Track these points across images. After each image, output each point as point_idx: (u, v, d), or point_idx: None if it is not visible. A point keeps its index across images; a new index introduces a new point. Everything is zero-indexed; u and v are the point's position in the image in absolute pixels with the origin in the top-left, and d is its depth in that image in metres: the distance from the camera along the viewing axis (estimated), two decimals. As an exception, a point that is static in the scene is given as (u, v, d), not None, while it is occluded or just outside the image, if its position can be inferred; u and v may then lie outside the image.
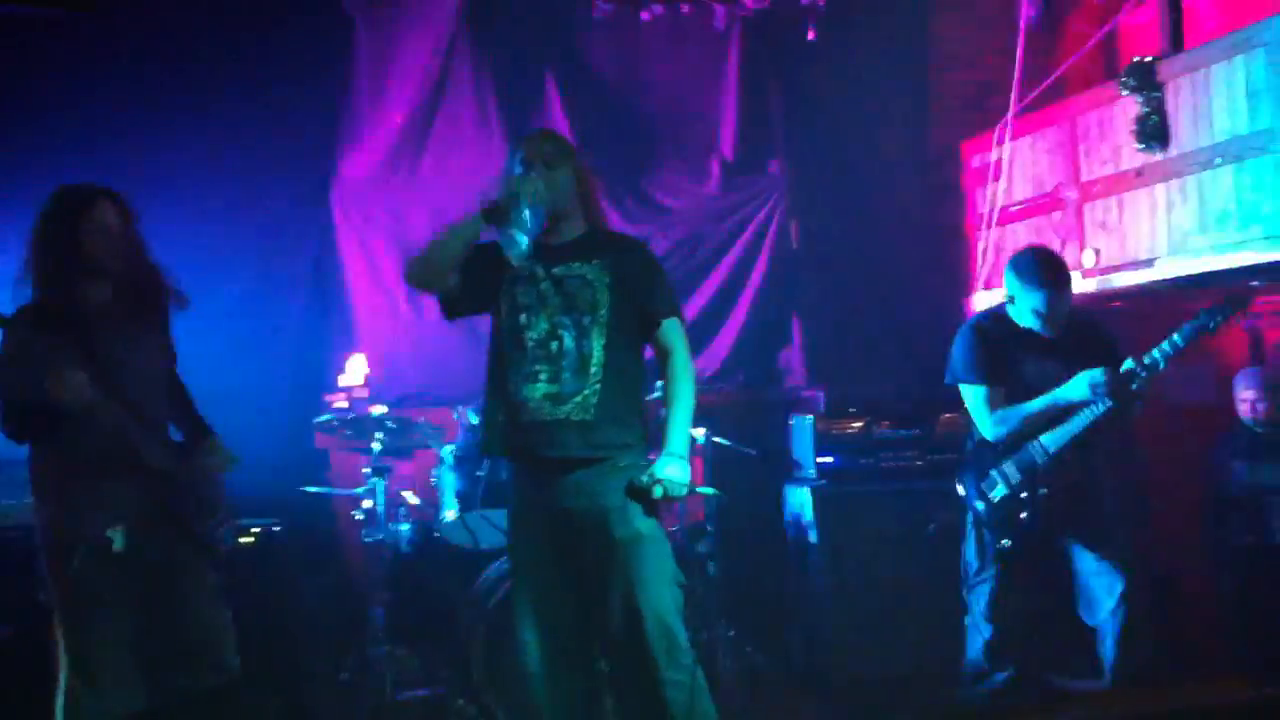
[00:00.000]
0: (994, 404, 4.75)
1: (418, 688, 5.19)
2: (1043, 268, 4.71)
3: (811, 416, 5.90)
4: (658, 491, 3.75)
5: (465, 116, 6.48)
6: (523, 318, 3.85)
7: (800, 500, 5.87)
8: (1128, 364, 4.55)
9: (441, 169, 6.41)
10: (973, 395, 4.80)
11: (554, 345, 3.81)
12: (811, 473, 5.85)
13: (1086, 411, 4.63)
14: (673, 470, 3.78)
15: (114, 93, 5.61)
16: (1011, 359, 4.76)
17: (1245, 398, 5.75)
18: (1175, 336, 4.51)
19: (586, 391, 3.79)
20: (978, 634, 4.80)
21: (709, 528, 5.42)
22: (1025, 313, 4.74)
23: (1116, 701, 4.46)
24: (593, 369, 3.80)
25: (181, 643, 3.86)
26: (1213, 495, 5.76)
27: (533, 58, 6.59)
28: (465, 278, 3.93)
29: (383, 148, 6.39)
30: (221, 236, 5.75)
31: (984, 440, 4.81)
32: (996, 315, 4.87)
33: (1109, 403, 4.58)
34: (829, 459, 5.81)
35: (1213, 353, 6.30)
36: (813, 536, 5.74)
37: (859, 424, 5.86)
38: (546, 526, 3.83)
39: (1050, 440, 4.68)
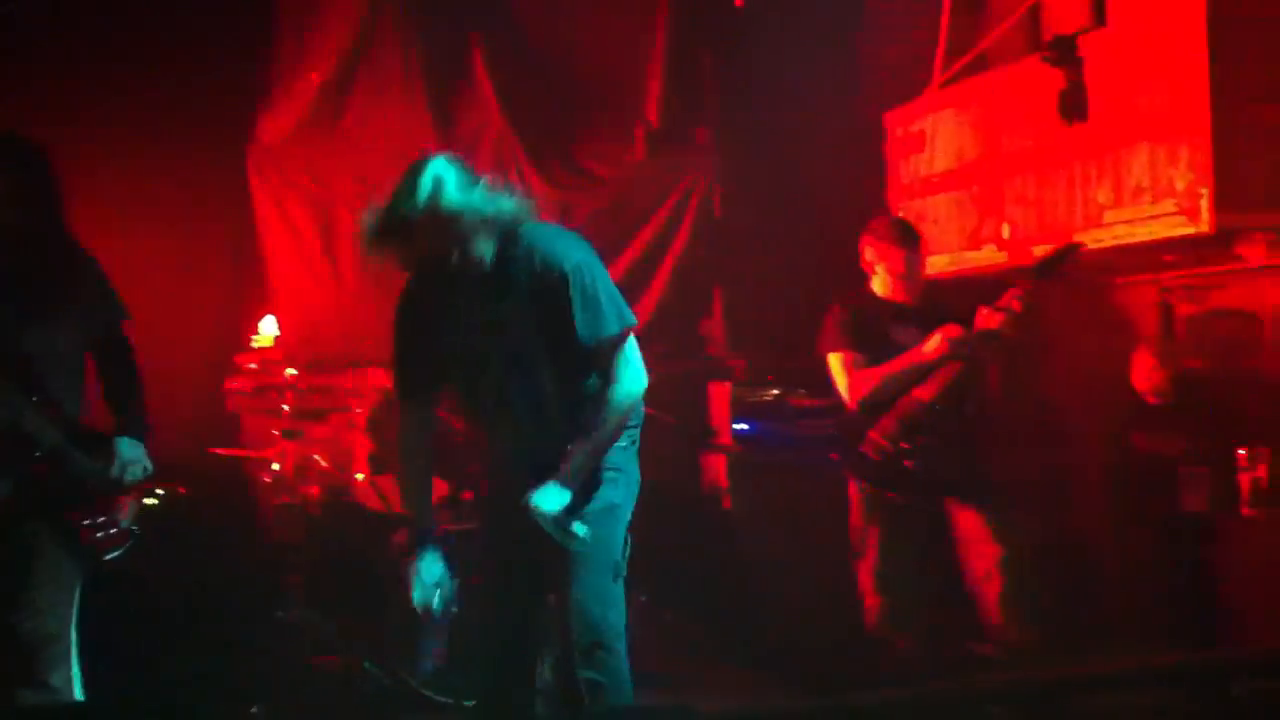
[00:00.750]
0: (854, 365, 4.83)
1: (331, 652, 5.12)
2: (897, 230, 4.92)
3: (729, 384, 5.90)
4: (531, 518, 3.36)
5: (388, 80, 6.40)
6: (469, 369, 3.49)
7: (716, 467, 5.87)
8: (979, 318, 4.64)
9: (362, 132, 6.33)
10: (833, 363, 4.89)
11: (508, 393, 3.46)
12: (728, 440, 5.85)
13: (951, 363, 4.69)
14: (546, 499, 3.37)
15: (32, 53, 5.46)
16: (877, 329, 4.84)
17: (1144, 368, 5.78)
18: (1021, 285, 4.62)
19: (551, 433, 3.45)
20: (868, 601, 4.84)
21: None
22: (884, 278, 4.86)
23: (1015, 668, 4.51)
24: (547, 410, 3.46)
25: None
26: (1121, 466, 5.83)
27: (458, 21, 6.50)
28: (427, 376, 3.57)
29: (301, 111, 6.28)
30: (138, 198, 5.63)
31: (856, 408, 4.85)
32: (859, 291, 4.98)
33: (964, 352, 4.66)
34: (745, 426, 5.82)
35: (1123, 326, 6.37)
36: (729, 503, 5.75)
37: (775, 392, 5.87)
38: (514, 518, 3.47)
39: (925, 394, 4.74)
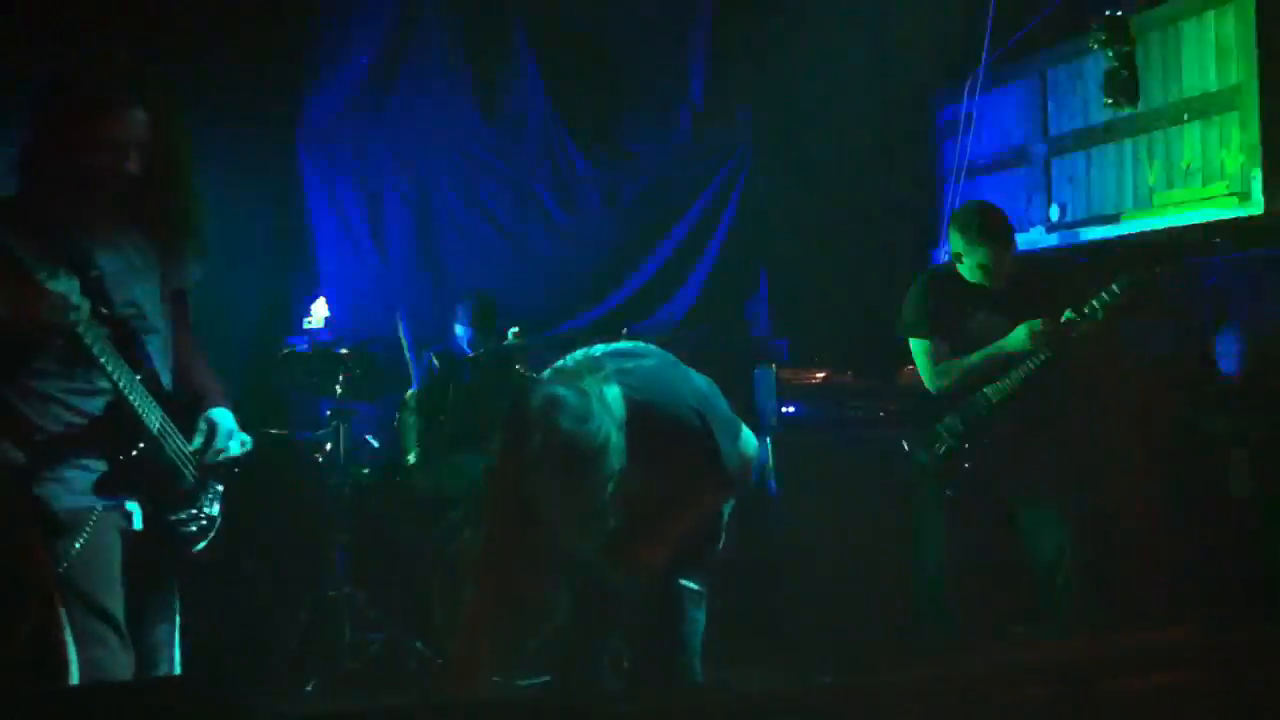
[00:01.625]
0: (938, 357, 4.80)
1: (376, 630, 5.19)
2: (986, 223, 4.74)
3: (775, 366, 5.90)
4: None
5: (432, 60, 6.42)
6: None
7: (762, 450, 5.87)
8: (1067, 314, 4.58)
9: (408, 113, 6.36)
10: (918, 348, 4.86)
11: None
12: (774, 422, 5.86)
13: (1028, 362, 4.66)
14: None
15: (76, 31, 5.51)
16: (960, 314, 4.79)
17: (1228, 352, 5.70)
18: (1114, 285, 4.53)
19: None
20: (925, 584, 4.84)
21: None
22: (972, 268, 4.76)
23: (1065, 648, 4.50)
24: None
25: None
26: (1174, 448, 5.79)
27: (502, 2, 6.51)
28: None
29: (348, 90, 6.32)
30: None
31: (928, 393, 4.85)
32: (946, 271, 4.91)
33: (1049, 352, 4.61)
34: (791, 409, 5.82)
35: (1171, 306, 6.31)
36: (774, 486, 5.76)
37: (822, 374, 5.87)
38: None
39: (993, 391, 4.71)
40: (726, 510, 3.67)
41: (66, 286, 2.94)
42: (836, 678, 4.78)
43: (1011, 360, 4.68)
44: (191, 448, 3.30)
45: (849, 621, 5.46)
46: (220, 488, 3.41)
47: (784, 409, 5.82)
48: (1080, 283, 4.81)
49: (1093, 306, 4.55)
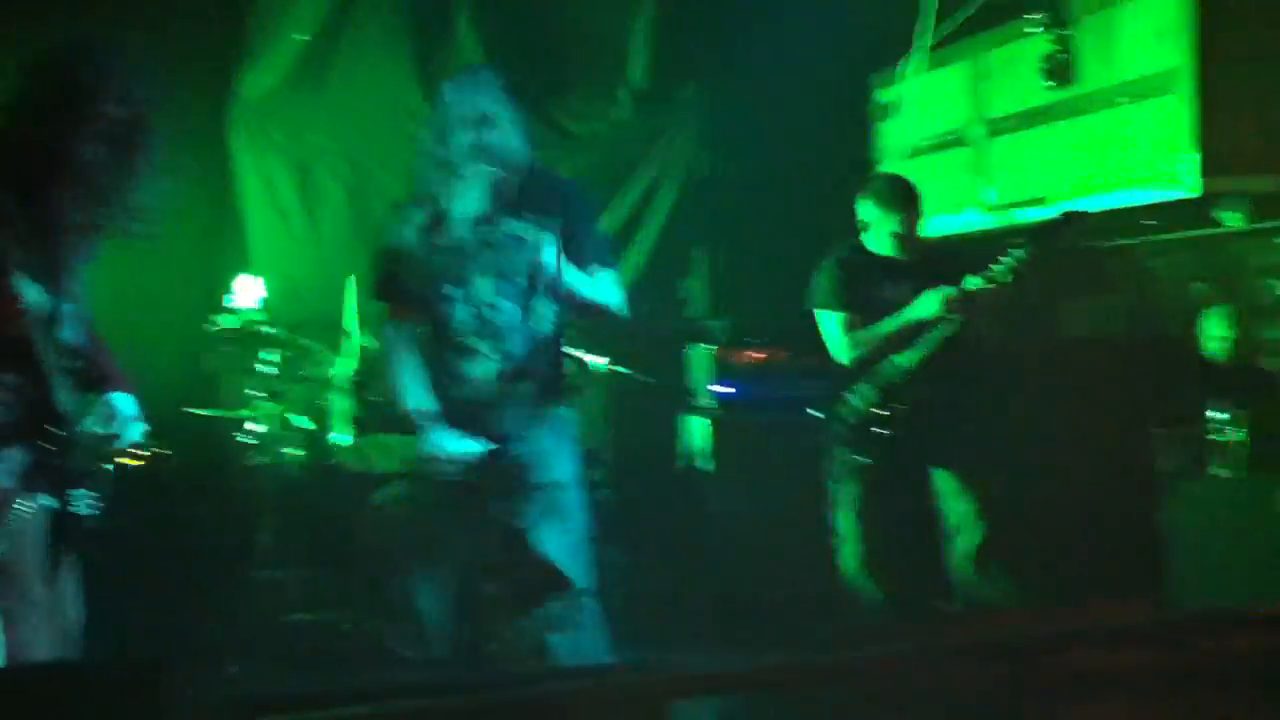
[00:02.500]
0: (846, 328, 4.81)
1: (305, 611, 5.12)
2: (898, 190, 4.83)
3: (712, 346, 5.89)
4: None
5: (371, 38, 6.33)
6: (457, 289, 3.65)
7: (698, 429, 5.86)
8: (974, 281, 4.59)
9: (344, 89, 6.26)
10: (829, 321, 4.87)
11: (495, 315, 3.64)
12: (710, 402, 5.85)
13: (939, 329, 4.67)
14: None
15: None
16: (870, 286, 4.81)
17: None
18: (1018, 249, 4.55)
19: (537, 364, 3.70)
20: (845, 555, 4.85)
21: (604, 456, 5.40)
22: (883, 237, 4.79)
23: (1010, 620, 4.52)
24: (539, 340, 3.68)
25: None
26: (1098, 425, 5.84)
27: (441, -25, 6.43)
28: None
29: (284, 68, 6.21)
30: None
31: (841, 364, 4.86)
32: (854, 246, 4.94)
33: (957, 319, 4.63)
34: (727, 388, 5.81)
35: (1101, 287, 6.36)
36: (709, 465, 5.75)
37: (758, 354, 5.86)
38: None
39: (905, 359, 4.72)
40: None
41: (35, 294, 2.94)
42: (767, 657, 4.78)
43: (921, 328, 4.69)
44: (92, 429, 3.23)
45: (787, 600, 5.47)
46: (110, 468, 3.36)
47: (722, 388, 5.81)
48: (991, 254, 4.83)
49: (997, 270, 4.56)
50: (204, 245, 6.05)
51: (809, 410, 4.97)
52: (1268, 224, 5.42)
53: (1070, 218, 4.66)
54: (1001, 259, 4.55)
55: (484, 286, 3.64)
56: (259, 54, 6.17)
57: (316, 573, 5.21)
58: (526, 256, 3.60)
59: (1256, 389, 5.38)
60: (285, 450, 5.30)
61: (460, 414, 3.66)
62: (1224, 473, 4.96)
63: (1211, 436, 5.00)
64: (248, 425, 5.27)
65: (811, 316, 4.94)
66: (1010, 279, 4.54)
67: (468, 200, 3.61)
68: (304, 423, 5.50)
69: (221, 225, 6.13)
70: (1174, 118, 4.91)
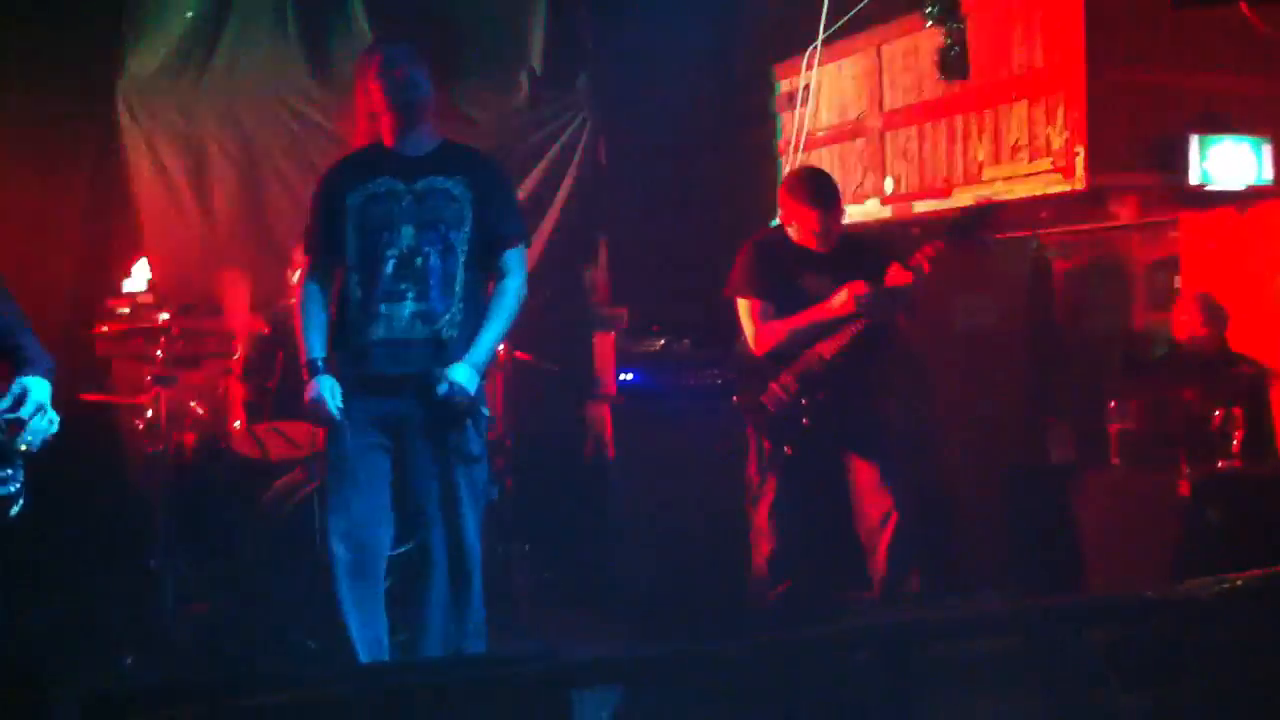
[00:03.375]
0: (763, 318, 4.85)
1: (199, 600, 5.05)
2: (815, 187, 4.85)
3: (613, 334, 5.90)
4: (442, 389, 3.80)
5: (261, 15, 6.20)
6: (385, 235, 3.88)
7: (600, 417, 5.87)
8: (893, 273, 4.66)
9: (232, 70, 6.14)
10: (744, 309, 4.90)
11: (419, 261, 3.86)
12: (611, 390, 5.86)
13: (853, 324, 4.72)
14: (462, 376, 3.84)
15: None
16: (788, 276, 4.85)
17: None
18: (935, 242, 4.64)
19: (454, 310, 3.88)
20: (760, 546, 4.90)
21: (508, 443, 5.39)
22: (801, 232, 4.84)
23: (892, 612, 4.60)
24: (457, 288, 3.89)
25: None
26: (995, 418, 5.96)
27: (336, -40, 6.32)
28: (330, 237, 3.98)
29: (172, 44, 6.08)
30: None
31: (754, 353, 4.89)
32: (775, 235, 4.98)
33: (871, 309, 4.70)
34: (629, 376, 5.83)
35: (996, 279, 6.49)
36: (611, 453, 5.76)
37: (660, 342, 5.89)
38: (379, 439, 3.92)
39: (825, 350, 4.77)
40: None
41: None
42: (670, 644, 4.81)
43: (836, 322, 4.75)
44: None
45: (685, 587, 5.51)
46: (23, 448, 3.40)
47: (622, 376, 5.82)
48: (908, 247, 4.90)
49: (914, 264, 4.64)
50: (93, 228, 5.91)
51: (732, 399, 4.99)
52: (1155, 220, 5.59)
53: (984, 211, 4.75)
54: (918, 252, 4.62)
55: (409, 233, 3.87)
56: (147, 30, 6.03)
57: (213, 561, 5.13)
58: (450, 209, 3.89)
59: (1148, 380, 5.53)
60: (178, 437, 5.21)
61: (383, 350, 3.86)
62: (1118, 462, 5.09)
63: (1106, 426, 5.13)
64: (140, 412, 5.16)
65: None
66: (923, 274, 4.62)
67: (401, 152, 3.96)
68: (197, 408, 5.41)
69: (111, 208, 5.98)
70: (1063, 113, 5.02)
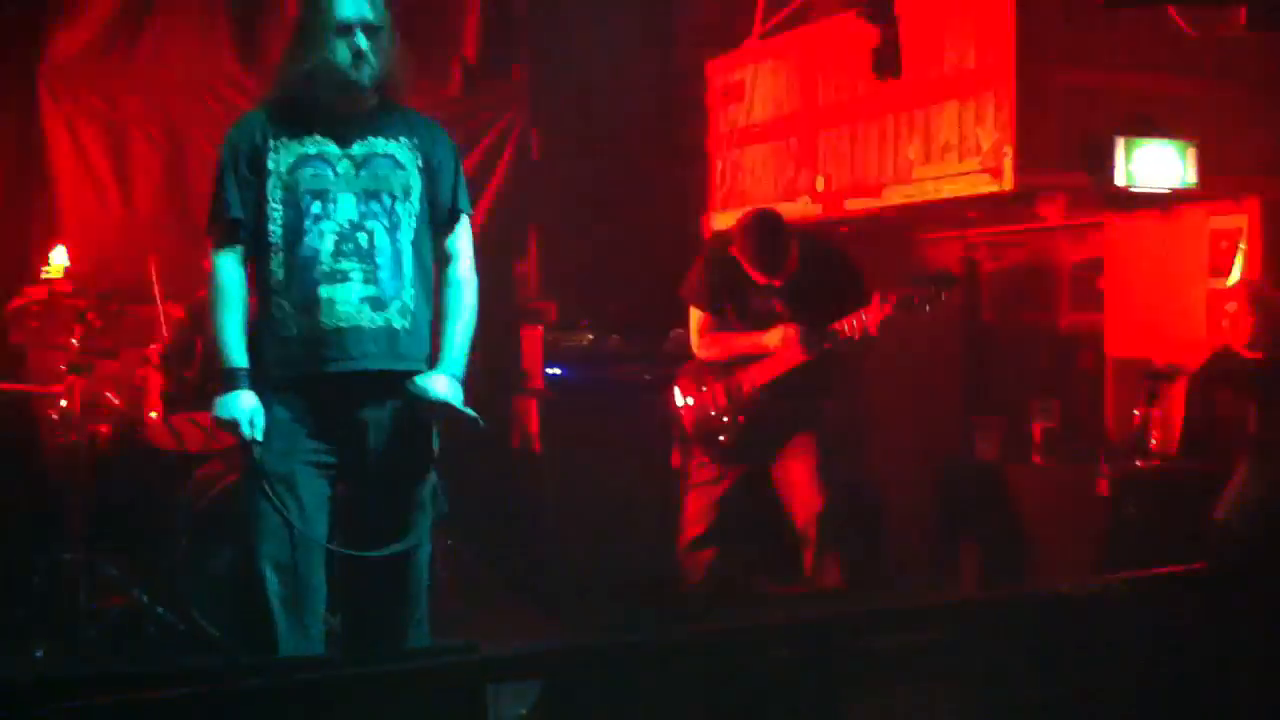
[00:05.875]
0: (707, 329, 4.90)
1: (115, 595, 4.94)
2: (760, 248, 4.74)
3: (541, 327, 5.87)
4: (432, 407, 3.35)
5: (188, 4, 6.10)
6: (317, 205, 3.30)
7: (527, 411, 5.84)
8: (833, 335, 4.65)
9: (158, 54, 6.03)
10: (693, 316, 4.96)
11: (362, 238, 3.31)
12: (539, 384, 5.83)
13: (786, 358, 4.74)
14: (448, 390, 3.38)
15: None
16: (741, 290, 4.85)
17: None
18: (888, 305, 4.56)
19: (404, 295, 3.35)
20: (685, 531, 4.90)
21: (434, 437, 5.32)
22: (751, 269, 4.79)
23: (823, 602, 4.61)
24: (405, 269, 3.35)
25: None
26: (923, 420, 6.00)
27: (265, -59, 6.22)
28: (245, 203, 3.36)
29: (97, 27, 5.95)
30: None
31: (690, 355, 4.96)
32: (729, 249, 4.91)
33: (806, 351, 4.70)
34: (557, 370, 5.80)
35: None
36: (538, 447, 5.73)
37: (589, 337, 5.87)
38: (322, 441, 3.36)
39: (757, 373, 4.80)
40: None
41: None
42: (596, 637, 4.78)
43: (769, 354, 4.78)
44: None
45: (611, 581, 5.49)
46: None
47: (550, 371, 5.80)
48: (856, 270, 4.90)
49: (853, 326, 4.61)
50: (11, 213, 5.79)
51: (666, 404, 5.00)
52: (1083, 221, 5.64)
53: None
54: (868, 316, 4.56)
55: (350, 204, 3.33)
56: (69, 13, 5.91)
57: (129, 554, 5.03)
58: (396, 177, 3.36)
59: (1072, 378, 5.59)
60: (94, 428, 5.10)
61: (326, 343, 3.31)
62: (1041, 459, 5.13)
63: (1032, 425, 5.16)
64: (55, 401, 5.05)
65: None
66: (870, 338, 4.61)
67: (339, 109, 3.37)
68: (114, 398, 5.31)
69: (30, 192, 5.85)
70: (993, 113, 5.05)
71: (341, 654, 3.56)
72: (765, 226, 4.82)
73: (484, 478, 5.86)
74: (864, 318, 4.59)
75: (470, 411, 3.39)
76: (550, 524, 5.74)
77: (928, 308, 4.63)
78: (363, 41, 3.32)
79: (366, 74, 3.34)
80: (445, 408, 3.36)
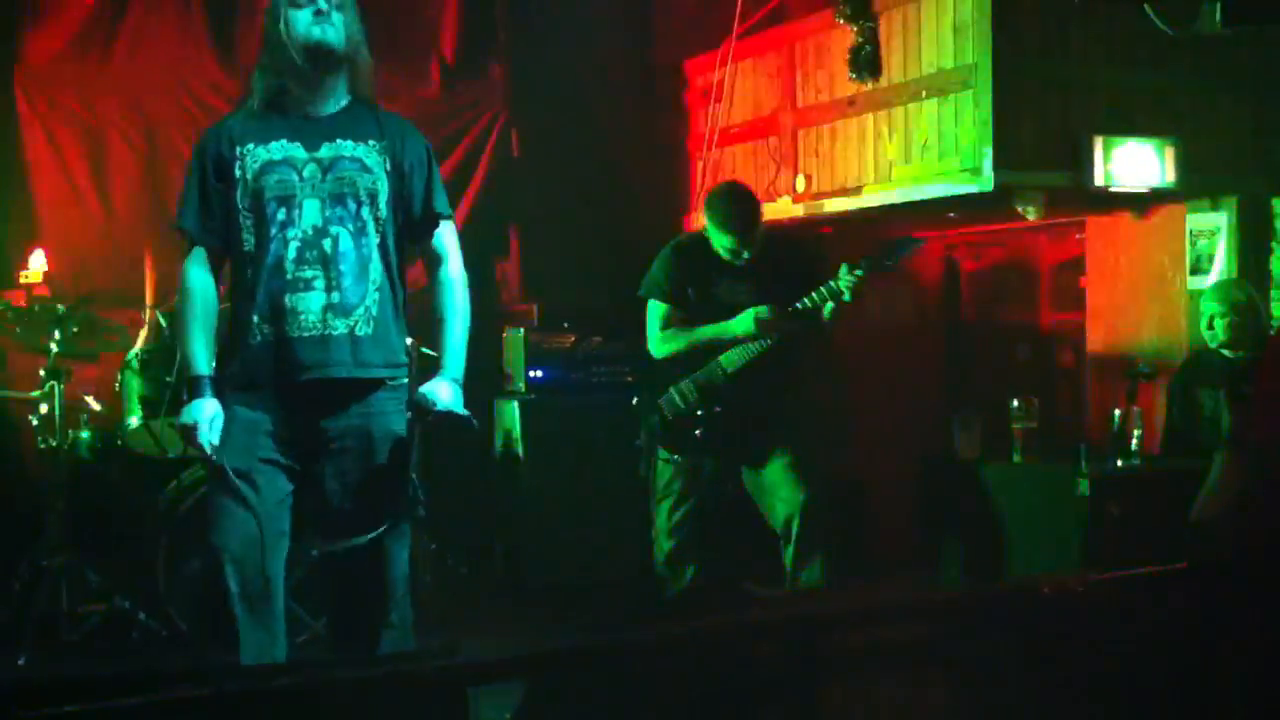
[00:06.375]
0: (667, 323, 4.78)
1: (96, 601, 4.92)
2: (734, 213, 4.71)
3: (523, 329, 5.86)
4: (437, 415, 3.33)
5: (165, 6, 6.07)
6: (282, 212, 3.26)
7: (509, 413, 5.83)
8: (803, 302, 4.61)
9: (135, 56, 5.99)
10: (651, 311, 4.84)
11: (326, 244, 3.26)
12: (521, 386, 5.82)
13: (756, 344, 4.68)
14: (449, 396, 3.37)
15: None
16: (705, 280, 4.78)
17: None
18: (839, 282, 4.54)
19: (369, 301, 3.30)
20: (659, 546, 4.87)
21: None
22: (719, 246, 4.75)
23: (802, 602, 4.60)
24: (372, 275, 3.30)
25: None
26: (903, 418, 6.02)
27: (240, -58, 6.19)
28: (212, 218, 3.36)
29: (72, 29, 5.92)
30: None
31: (652, 356, 4.85)
32: (696, 238, 4.91)
33: (775, 333, 4.64)
34: (539, 372, 5.79)
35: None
36: (520, 449, 5.72)
37: (570, 338, 5.86)
38: (285, 444, 3.32)
39: (729, 362, 4.72)
40: None
41: None
42: (578, 639, 4.78)
43: (738, 340, 4.70)
44: None
45: (592, 583, 5.49)
46: None
47: (532, 373, 5.79)
48: (823, 257, 4.90)
49: (814, 300, 4.59)
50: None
51: (634, 403, 4.94)
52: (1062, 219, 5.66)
53: (908, 244, 4.71)
54: (839, 283, 4.53)
55: (314, 210, 3.28)
56: (45, 15, 5.87)
57: (109, 560, 5.00)
58: (363, 180, 3.31)
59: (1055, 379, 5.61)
60: (73, 432, 5.07)
61: (290, 353, 3.27)
62: (1019, 459, 5.14)
63: (1011, 425, 5.17)
64: (34, 406, 5.02)
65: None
66: (841, 305, 4.58)
67: (300, 106, 3.34)
68: (93, 403, 5.28)
69: (7, 196, 5.81)
70: (971, 112, 5.06)
71: (321, 657, 3.55)
72: (738, 191, 4.82)
73: (465, 480, 5.87)
74: (833, 284, 4.55)
75: (467, 414, 3.41)
76: (532, 526, 5.72)
77: (890, 263, 4.59)
78: (322, 3, 3.28)
79: (331, 33, 3.28)
80: (449, 416, 3.36)
